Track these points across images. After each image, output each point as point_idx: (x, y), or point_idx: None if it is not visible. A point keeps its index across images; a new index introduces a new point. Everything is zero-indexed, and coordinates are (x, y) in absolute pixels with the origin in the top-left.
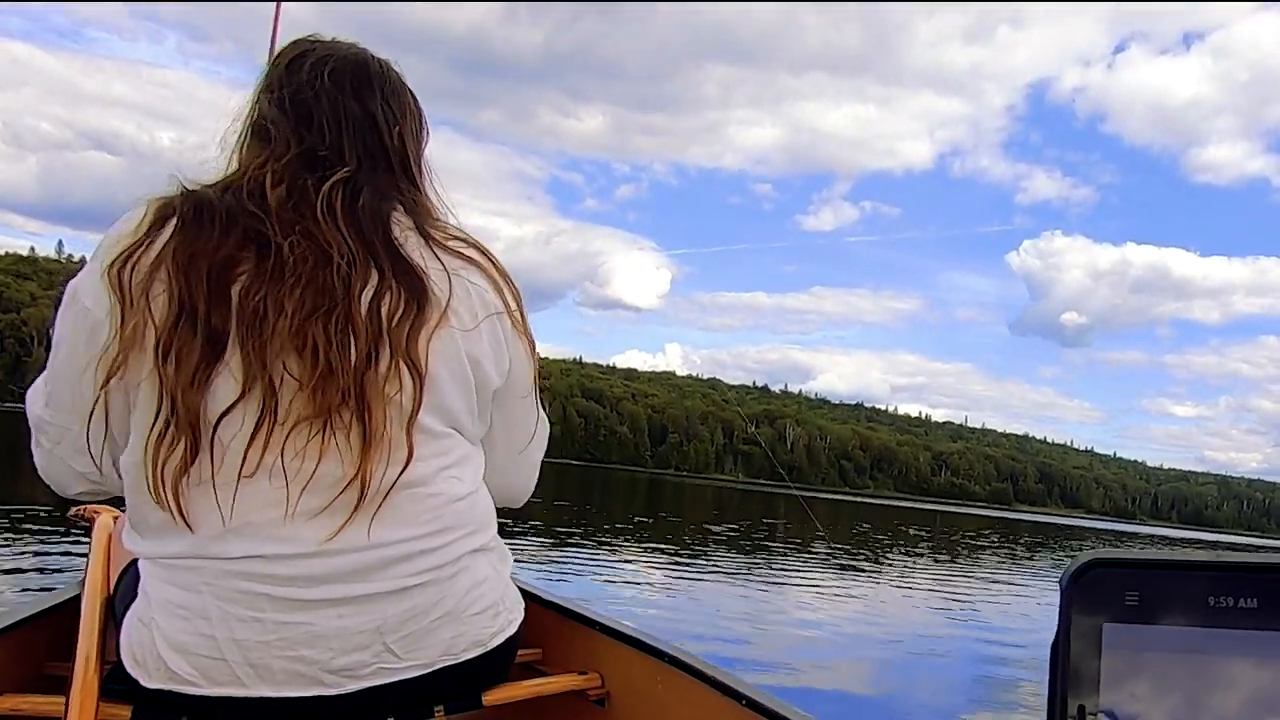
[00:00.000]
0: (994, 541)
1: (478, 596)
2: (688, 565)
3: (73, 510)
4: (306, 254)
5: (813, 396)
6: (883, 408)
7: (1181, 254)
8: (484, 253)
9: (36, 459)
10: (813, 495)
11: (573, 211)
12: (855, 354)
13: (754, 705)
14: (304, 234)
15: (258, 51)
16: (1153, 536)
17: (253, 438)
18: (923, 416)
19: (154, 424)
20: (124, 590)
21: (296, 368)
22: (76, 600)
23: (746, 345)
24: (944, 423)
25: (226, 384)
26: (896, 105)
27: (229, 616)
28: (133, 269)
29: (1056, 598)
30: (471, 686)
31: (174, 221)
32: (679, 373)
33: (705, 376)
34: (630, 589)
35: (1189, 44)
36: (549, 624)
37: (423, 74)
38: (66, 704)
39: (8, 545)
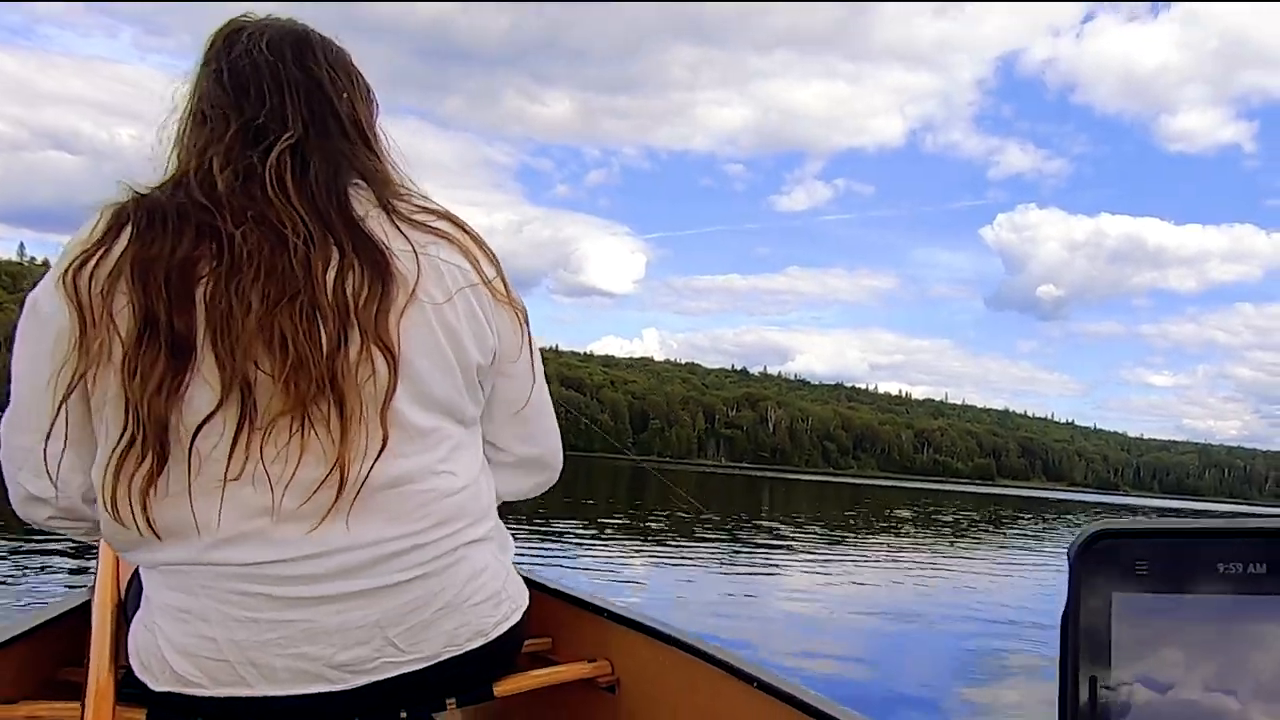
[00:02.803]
0: (981, 518)
1: (479, 586)
2: (675, 551)
3: None
4: (262, 241)
5: (792, 378)
6: (863, 387)
7: (1156, 223)
8: (455, 223)
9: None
10: (796, 477)
11: (543, 198)
12: (833, 334)
13: (765, 688)
14: (257, 218)
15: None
16: (1136, 508)
17: (234, 443)
18: (903, 395)
19: (120, 438)
20: (134, 594)
21: (268, 363)
22: (88, 605)
23: (724, 328)
24: (924, 400)
25: (202, 392)
26: (866, 81)
27: (227, 618)
28: (90, 277)
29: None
30: (482, 677)
31: (129, 229)
32: (657, 358)
33: (683, 361)
34: (623, 578)
35: (1156, 11)
36: (557, 613)
37: (385, 61)
38: (83, 709)
39: (18, 551)
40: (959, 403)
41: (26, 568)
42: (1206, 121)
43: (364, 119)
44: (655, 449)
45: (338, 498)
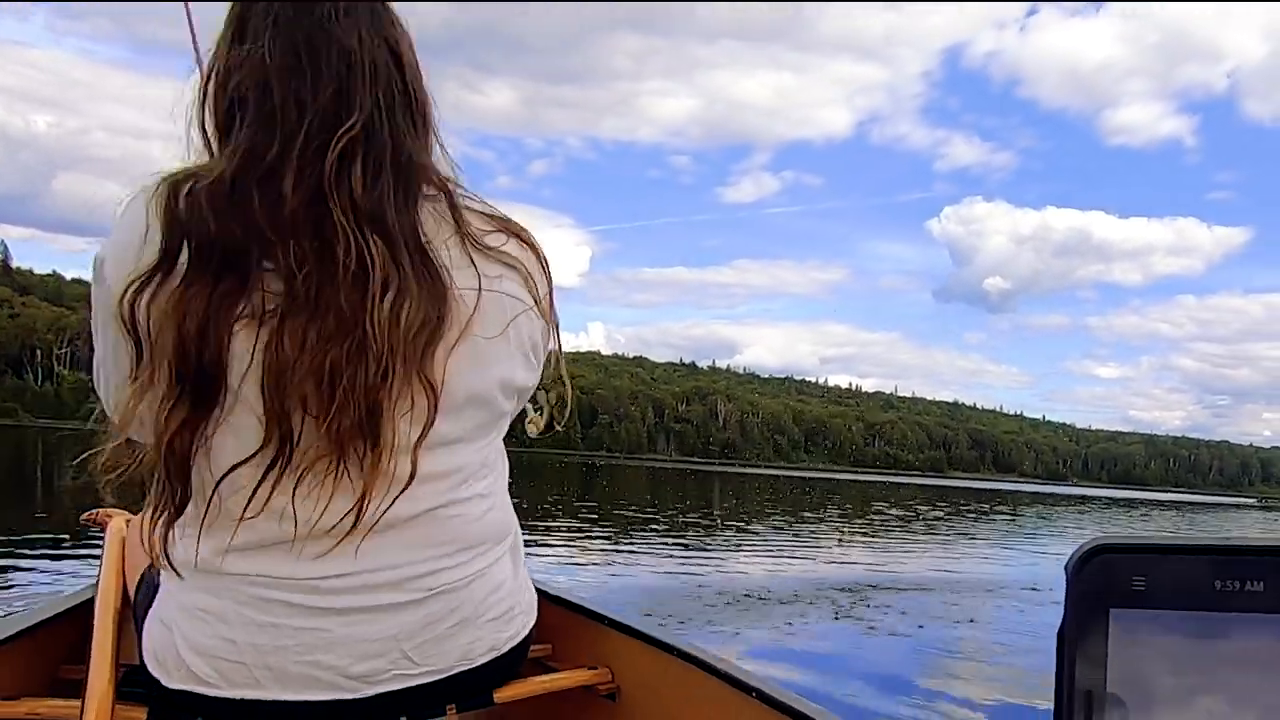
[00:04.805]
0: (937, 511)
1: (495, 602)
2: (630, 547)
3: (85, 515)
4: (325, 274)
5: (741, 371)
6: (813, 380)
7: (1101, 216)
8: (522, 239)
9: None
10: (748, 470)
11: (485, 190)
12: (782, 326)
13: (763, 697)
14: (321, 247)
15: (134, 27)
16: (1084, 497)
17: (261, 482)
18: (853, 387)
19: (154, 474)
20: (144, 591)
21: (314, 404)
22: (90, 604)
23: (671, 321)
24: (874, 393)
25: (237, 435)
26: (813, 72)
27: (248, 621)
28: (147, 307)
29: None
30: (484, 684)
31: (183, 257)
32: (604, 351)
33: (631, 355)
34: (579, 577)
35: (1099, 6)
36: (558, 620)
37: None
38: (83, 707)
39: (22, 552)
40: (909, 395)
41: (30, 564)
42: (1149, 115)
43: (429, 97)
44: (604, 444)
45: (353, 529)
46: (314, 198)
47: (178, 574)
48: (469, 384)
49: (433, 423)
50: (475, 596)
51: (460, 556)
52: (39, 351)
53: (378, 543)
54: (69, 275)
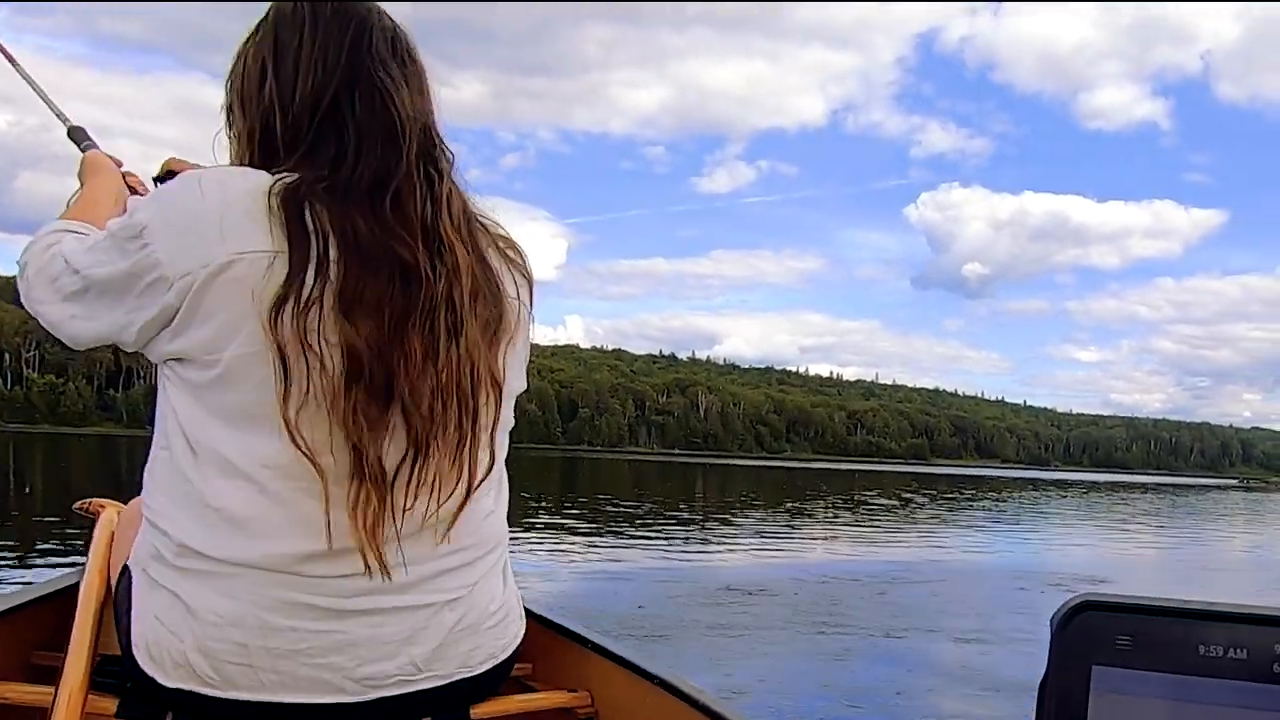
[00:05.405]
0: (922, 498)
1: (495, 609)
2: (614, 542)
3: (79, 503)
4: (447, 280)
5: (721, 362)
6: (793, 369)
7: (1079, 200)
8: (523, 256)
9: (52, 312)
10: (731, 462)
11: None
12: (761, 317)
13: None
14: (436, 254)
15: (94, 24)
16: (1067, 482)
17: (410, 478)
18: (834, 376)
19: (350, 482)
20: (125, 584)
21: (436, 400)
22: (68, 591)
23: (649, 313)
24: (855, 381)
25: (399, 434)
26: (785, 60)
27: (264, 625)
28: (293, 317)
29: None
30: (460, 700)
31: (333, 258)
32: (582, 345)
33: (609, 348)
34: (559, 573)
35: None
36: (540, 639)
37: None
38: (55, 695)
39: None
40: (889, 383)
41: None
42: (1124, 98)
43: None
44: (585, 438)
45: (455, 521)
46: (432, 211)
47: (386, 571)
48: (512, 387)
49: (498, 420)
50: (480, 604)
51: (472, 554)
52: (7, 355)
53: (409, 541)
54: None
